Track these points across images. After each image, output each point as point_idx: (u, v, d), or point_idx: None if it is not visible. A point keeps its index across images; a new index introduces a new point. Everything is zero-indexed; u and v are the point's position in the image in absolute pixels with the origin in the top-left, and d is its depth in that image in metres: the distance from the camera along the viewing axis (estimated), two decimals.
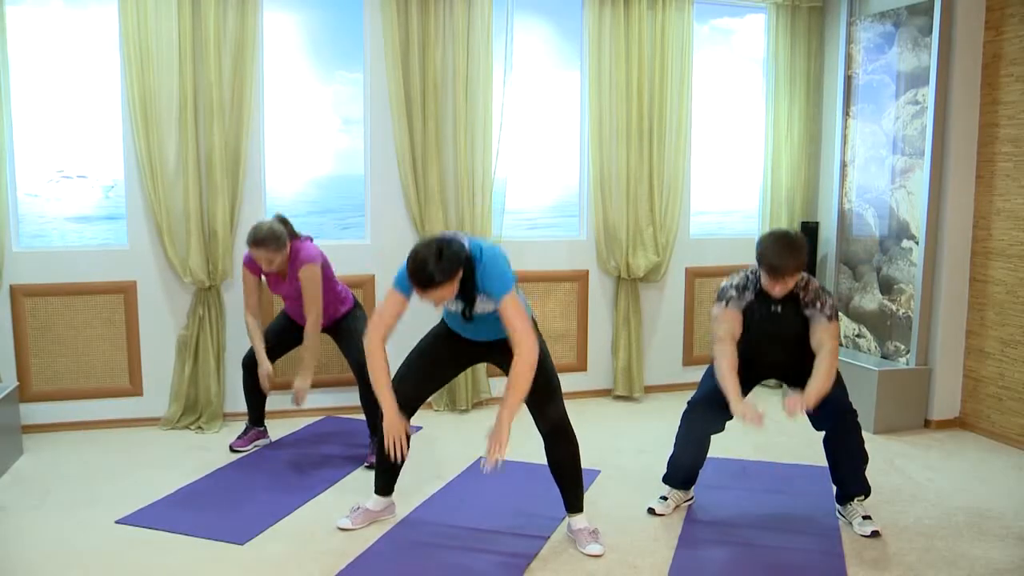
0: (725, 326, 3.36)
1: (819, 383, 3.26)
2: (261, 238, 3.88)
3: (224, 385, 4.78)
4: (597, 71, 5.16)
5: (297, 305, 4.11)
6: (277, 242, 3.90)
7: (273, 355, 4.20)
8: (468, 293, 2.99)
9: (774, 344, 3.43)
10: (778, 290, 3.25)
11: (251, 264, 4.06)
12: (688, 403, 3.59)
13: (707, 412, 3.48)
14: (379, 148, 4.93)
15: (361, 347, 4.19)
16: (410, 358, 3.36)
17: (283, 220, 4.03)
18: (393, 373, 3.25)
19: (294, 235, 4.05)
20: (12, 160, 4.48)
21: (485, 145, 4.99)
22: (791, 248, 3.20)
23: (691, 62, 5.34)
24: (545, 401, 3.17)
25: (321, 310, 4.04)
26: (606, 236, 5.32)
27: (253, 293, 4.13)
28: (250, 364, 4.26)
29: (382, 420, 3.16)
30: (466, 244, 2.96)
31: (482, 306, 3.04)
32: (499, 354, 3.18)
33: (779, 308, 3.35)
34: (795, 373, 3.41)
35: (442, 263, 2.81)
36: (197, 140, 4.59)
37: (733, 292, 3.35)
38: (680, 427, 3.61)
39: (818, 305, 3.29)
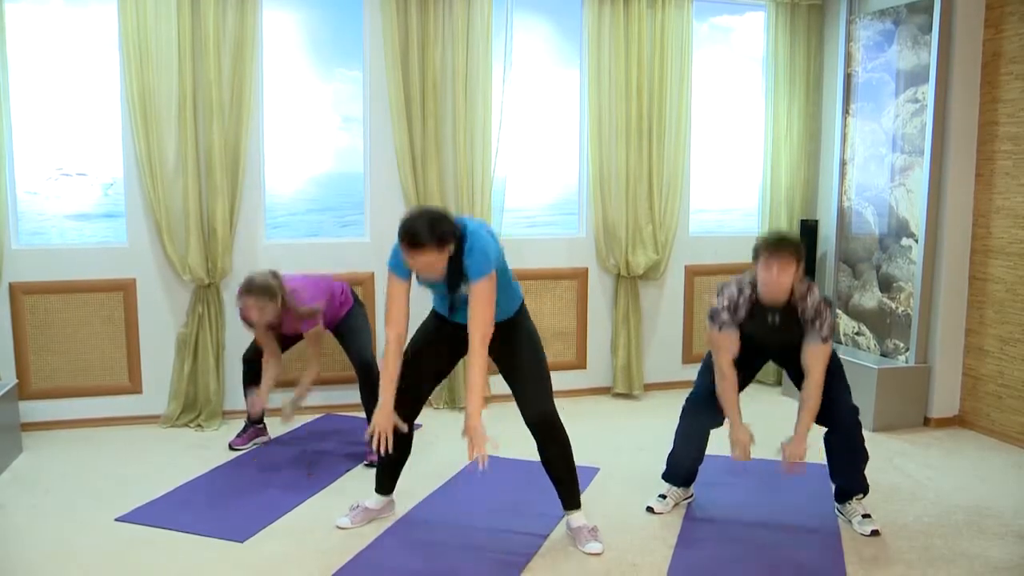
0: (723, 349, 3.34)
1: (805, 423, 3.30)
2: (253, 288, 3.87)
3: (223, 383, 4.78)
4: (596, 69, 5.16)
5: (290, 340, 4.24)
6: (268, 293, 3.87)
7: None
8: (455, 277, 2.97)
9: (771, 352, 3.52)
10: (776, 277, 3.14)
11: (244, 315, 4.00)
12: (687, 399, 3.60)
13: (705, 408, 3.48)
14: (379, 146, 4.93)
15: (362, 345, 4.24)
16: (405, 363, 3.30)
17: (275, 276, 3.99)
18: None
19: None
20: (11, 158, 4.48)
21: (484, 143, 4.98)
22: (787, 236, 3.29)
23: (690, 60, 5.34)
24: (530, 379, 3.14)
25: (320, 356, 4.14)
26: (605, 234, 5.32)
27: (267, 341, 4.11)
28: (250, 359, 4.28)
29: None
30: (464, 225, 2.97)
31: (466, 289, 3.02)
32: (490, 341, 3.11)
33: (776, 319, 3.28)
34: (794, 367, 3.42)
35: (432, 224, 2.83)
36: (196, 138, 4.58)
37: (725, 315, 3.29)
38: (679, 424, 3.62)
39: (816, 324, 3.21)
